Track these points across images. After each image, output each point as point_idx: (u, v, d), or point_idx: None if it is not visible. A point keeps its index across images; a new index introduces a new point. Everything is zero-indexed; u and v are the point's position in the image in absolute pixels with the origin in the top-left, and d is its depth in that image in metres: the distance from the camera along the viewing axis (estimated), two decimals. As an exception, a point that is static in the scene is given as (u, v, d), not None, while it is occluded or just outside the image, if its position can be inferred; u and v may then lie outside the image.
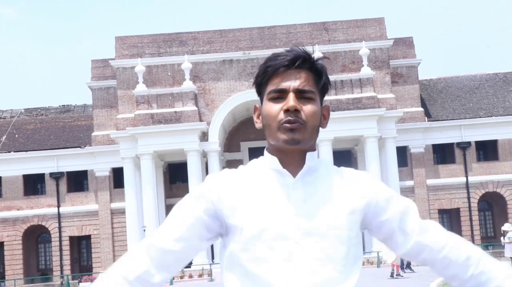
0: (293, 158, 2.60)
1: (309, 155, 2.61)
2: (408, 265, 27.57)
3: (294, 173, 2.59)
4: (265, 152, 2.68)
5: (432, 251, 2.62)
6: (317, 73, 2.63)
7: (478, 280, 2.60)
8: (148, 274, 2.57)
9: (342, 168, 2.72)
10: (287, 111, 2.54)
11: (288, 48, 2.64)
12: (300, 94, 2.57)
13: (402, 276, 27.72)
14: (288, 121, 2.54)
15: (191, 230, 2.59)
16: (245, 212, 2.54)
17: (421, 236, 2.62)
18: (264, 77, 2.62)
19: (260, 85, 2.66)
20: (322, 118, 2.67)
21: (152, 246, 2.59)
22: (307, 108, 2.56)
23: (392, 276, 27.07)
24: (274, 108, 2.57)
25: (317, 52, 48.60)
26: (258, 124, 2.68)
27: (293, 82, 2.57)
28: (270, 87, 2.60)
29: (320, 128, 2.65)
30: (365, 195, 2.63)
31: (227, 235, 2.60)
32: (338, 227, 2.54)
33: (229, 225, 2.57)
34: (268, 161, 2.63)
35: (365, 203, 2.62)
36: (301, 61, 2.58)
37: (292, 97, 2.55)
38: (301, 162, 2.61)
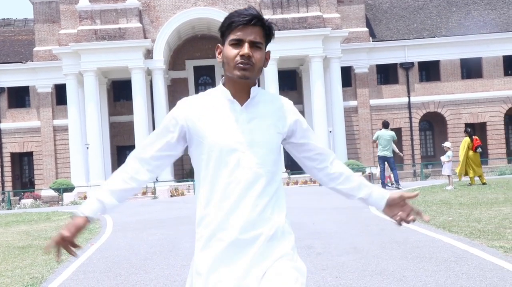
0: (241, 89, 3.64)
1: (253, 89, 3.64)
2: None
3: (241, 101, 3.64)
4: (220, 84, 3.70)
5: (334, 179, 3.87)
6: (266, 29, 3.65)
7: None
8: (138, 174, 3.72)
9: (275, 94, 3.78)
10: (242, 56, 3.56)
11: (247, 7, 3.66)
12: (253, 44, 3.59)
13: (389, 186, 29.33)
14: (242, 63, 3.56)
15: (166, 144, 3.70)
16: (206, 130, 3.60)
17: (331, 166, 3.84)
18: (228, 28, 3.62)
19: (224, 33, 3.65)
20: (265, 60, 3.69)
21: (140, 157, 3.73)
22: (257, 55, 3.60)
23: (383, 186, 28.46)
24: (233, 52, 3.59)
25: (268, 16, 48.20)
26: (219, 59, 3.70)
27: (248, 36, 3.59)
28: (232, 36, 3.60)
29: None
30: (290, 118, 3.74)
31: (194, 145, 3.66)
32: (270, 141, 3.63)
33: (195, 139, 3.63)
34: (222, 92, 3.66)
35: (289, 125, 3.73)
36: (256, 21, 3.60)
37: (247, 47, 3.57)
38: (246, 93, 3.66)
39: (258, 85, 3.69)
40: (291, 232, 3.69)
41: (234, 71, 3.57)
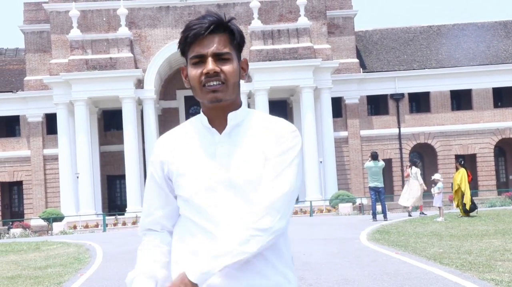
0: (219, 115, 2.96)
1: (230, 115, 2.95)
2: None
3: (221, 129, 2.96)
4: (201, 110, 3.03)
5: None
6: (232, 33, 2.96)
7: None
8: (163, 240, 3.07)
9: (267, 116, 3.04)
10: (207, 74, 2.89)
11: (203, 14, 2.97)
12: (218, 57, 2.91)
13: (425, 214, 30.07)
14: (209, 83, 2.89)
15: (163, 198, 3.04)
16: (184, 170, 2.94)
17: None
18: (185, 45, 2.97)
19: (183, 51, 3.00)
20: (242, 71, 3.01)
21: (151, 231, 3.07)
22: (226, 69, 2.91)
23: (409, 215, 29.93)
24: (196, 72, 2.92)
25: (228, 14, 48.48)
26: (186, 84, 3.02)
27: (210, 48, 2.91)
28: (191, 53, 2.94)
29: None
30: (278, 142, 2.93)
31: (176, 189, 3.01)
32: (253, 176, 2.88)
33: (174, 182, 2.99)
34: (200, 119, 3.01)
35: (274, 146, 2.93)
36: (215, 27, 2.91)
37: (210, 61, 2.89)
38: (226, 118, 2.98)
39: (248, 106, 2.96)
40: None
41: (203, 95, 2.91)
